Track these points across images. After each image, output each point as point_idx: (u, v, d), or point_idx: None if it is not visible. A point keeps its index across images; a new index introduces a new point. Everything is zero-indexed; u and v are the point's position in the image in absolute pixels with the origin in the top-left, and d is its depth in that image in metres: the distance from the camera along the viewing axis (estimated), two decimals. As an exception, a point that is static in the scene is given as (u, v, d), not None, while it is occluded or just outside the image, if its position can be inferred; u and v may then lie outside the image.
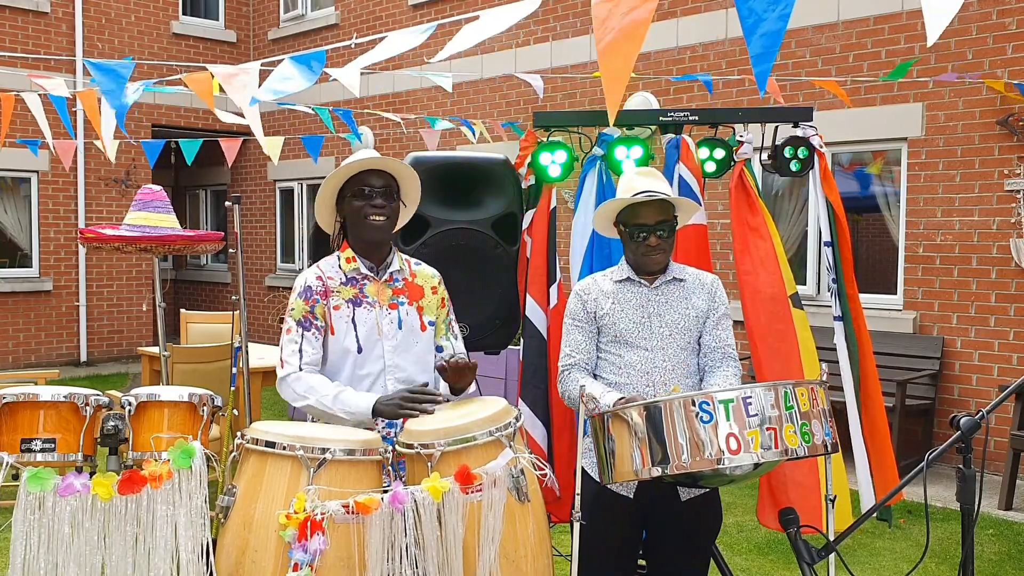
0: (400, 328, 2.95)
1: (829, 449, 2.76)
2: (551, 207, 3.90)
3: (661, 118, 3.97)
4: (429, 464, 2.56)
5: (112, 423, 2.84)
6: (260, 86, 2.90)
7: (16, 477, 2.64)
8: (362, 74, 3.23)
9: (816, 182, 4.01)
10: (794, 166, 3.97)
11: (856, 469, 3.97)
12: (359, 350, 2.90)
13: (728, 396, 2.65)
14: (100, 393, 2.90)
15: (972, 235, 6.77)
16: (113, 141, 3.59)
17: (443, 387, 3.01)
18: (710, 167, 3.99)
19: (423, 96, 10.76)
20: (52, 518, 2.56)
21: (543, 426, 3.79)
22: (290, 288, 5.39)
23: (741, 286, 3.91)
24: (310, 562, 2.38)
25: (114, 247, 5.11)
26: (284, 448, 2.53)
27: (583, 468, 3.06)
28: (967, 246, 6.80)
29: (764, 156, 4.06)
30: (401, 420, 2.80)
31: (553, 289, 3.88)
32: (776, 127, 4.08)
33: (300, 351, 2.90)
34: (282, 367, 2.90)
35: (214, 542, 2.62)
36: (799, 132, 4.00)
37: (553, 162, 3.86)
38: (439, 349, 3.08)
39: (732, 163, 4.00)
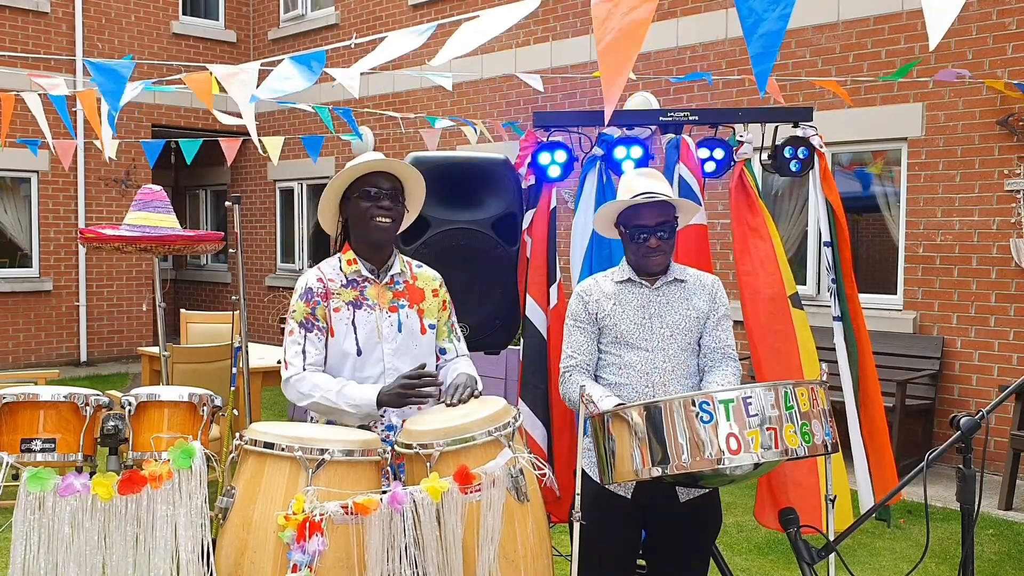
0: (400, 331, 2.95)
1: (829, 449, 2.76)
2: (551, 207, 3.90)
3: (661, 118, 3.97)
4: (428, 464, 2.56)
5: (112, 423, 2.85)
6: (260, 86, 2.90)
7: (16, 477, 2.64)
8: (362, 74, 3.23)
9: (816, 182, 4.02)
10: (794, 166, 3.98)
11: (855, 469, 3.97)
12: (359, 353, 2.89)
13: (728, 396, 2.65)
14: (100, 393, 2.90)
15: (972, 235, 6.76)
16: (112, 141, 3.58)
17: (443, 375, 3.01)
18: (710, 167, 3.99)
19: (423, 96, 10.76)
20: (52, 518, 2.56)
21: (543, 426, 3.79)
22: (290, 288, 5.39)
23: (741, 286, 3.91)
24: (309, 563, 2.37)
25: (114, 247, 5.11)
26: (283, 449, 2.53)
27: (583, 468, 3.06)
28: (967, 246, 6.79)
29: (764, 156, 4.06)
30: (400, 422, 2.80)
31: (553, 289, 3.88)
32: (776, 127, 4.08)
33: (304, 352, 2.89)
34: (286, 368, 2.90)
35: (214, 542, 2.62)
36: (799, 132, 4.00)
37: (553, 162, 3.86)
38: (442, 352, 3.08)
39: (732, 163, 4.00)
